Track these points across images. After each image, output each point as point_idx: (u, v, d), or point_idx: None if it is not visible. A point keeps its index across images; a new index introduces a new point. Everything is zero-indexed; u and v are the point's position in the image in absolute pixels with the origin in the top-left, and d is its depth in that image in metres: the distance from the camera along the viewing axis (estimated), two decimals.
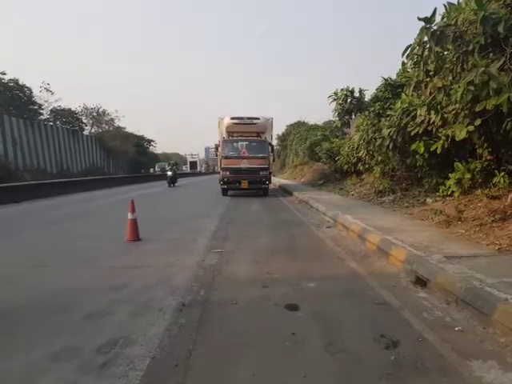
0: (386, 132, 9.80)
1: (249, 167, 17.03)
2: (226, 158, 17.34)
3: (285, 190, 21.21)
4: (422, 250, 5.25)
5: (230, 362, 2.83)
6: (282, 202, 15.48)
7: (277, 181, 30.22)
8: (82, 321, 3.57)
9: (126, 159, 46.52)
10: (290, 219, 10.40)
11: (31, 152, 28.09)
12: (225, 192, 17.83)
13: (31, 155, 28.09)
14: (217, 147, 19.17)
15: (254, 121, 18.37)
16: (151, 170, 58.06)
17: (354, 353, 2.95)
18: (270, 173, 18.23)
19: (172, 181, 26.86)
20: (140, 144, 51.39)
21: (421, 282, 4.51)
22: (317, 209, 11.61)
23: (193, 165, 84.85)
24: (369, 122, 11.93)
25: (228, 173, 17.22)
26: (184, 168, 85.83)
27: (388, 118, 10.15)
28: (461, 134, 7.06)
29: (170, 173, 27.12)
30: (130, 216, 7.30)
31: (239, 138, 18.49)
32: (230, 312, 3.81)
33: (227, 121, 18.15)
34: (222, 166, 17.38)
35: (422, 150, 8.81)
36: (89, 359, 2.85)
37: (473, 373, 2.63)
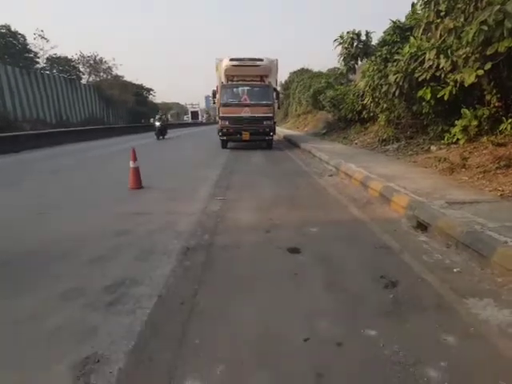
0: (392, 78, 9.52)
1: (251, 116, 15.00)
2: (225, 105, 15.24)
3: (289, 141, 20.43)
4: (425, 196, 5.26)
5: (234, 301, 2.93)
6: (285, 152, 15.30)
7: (280, 131, 29.55)
8: (87, 264, 3.66)
9: (126, 109, 45.73)
10: (292, 168, 10.38)
11: (29, 102, 27.60)
12: (224, 144, 16.08)
13: (29, 105, 27.62)
14: (214, 94, 16.77)
15: (257, 62, 15.85)
16: (151, 120, 57.70)
17: (354, 292, 3.04)
18: (275, 123, 16.24)
19: (161, 133, 24.08)
20: (139, 93, 50.29)
21: (422, 226, 4.56)
22: (320, 158, 11.54)
23: (194, 115, 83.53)
24: (375, 68, 11.55)
25: (227, 123, 15.20)
26: (185, 118, 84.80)
27: (395, 63, 9.81)
28: (469, 79, 6.85)
29: (157, 123, 24.00)
30: (131, 164, 7.32)
31: (240, 82, 16.12)
32: (234, 255, 3.89)
33: (226, 63, 15.70)
34: (221, 114, 15.36)
35: (428, 96, 8.58)
36: (96, 298, 2.94)
37: (469, 310, 2.72)
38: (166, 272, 3.43)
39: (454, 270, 3.40)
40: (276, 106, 16.58)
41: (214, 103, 16.92)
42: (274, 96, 15.90)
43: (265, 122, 15.21)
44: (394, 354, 2.23)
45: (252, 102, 15.17)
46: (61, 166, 10.97)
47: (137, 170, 7.36)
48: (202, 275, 3.38)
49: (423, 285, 3.15)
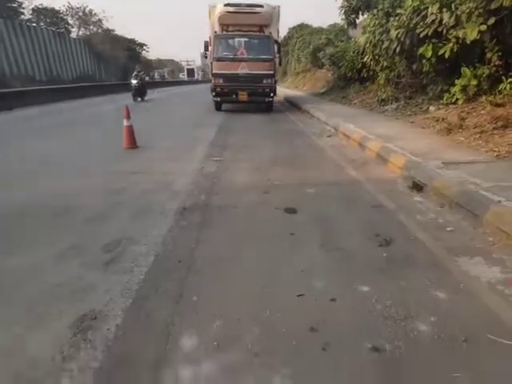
0: (394, 33, 9.25)
1: (248, 73, 12.85)
2: (219, 60, 13.00)
3: (287, 101, 19.64)
4: (421, 156, 5.24)
5: (231, 259, 2.98)
6: (284, 112, 15.05)
7: (279, 90, 28.64)
8: (84, 223, 3.68)
9: (118, 65, 44.35)
10: (290, 129, 10.26)
11: (17, 57, 26.47)
12: (218, 106, 14.22)
13: (17, 61, 26.54)
14: (207, 46, 14.19)
15: (256, 9, 13.65)
16: (146, 78, 56.62)
17: (349, 250, 3.09)
18: (276, 81, 14.01)
19: (138, 93, 19.56)
20: (131, 48, 48.75)
21: (417, 187, 4.57)
22: (318, 118, 11.41)
23: (190, 72, 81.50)
24: (376, 22, 11.15)
25: (221, 81, 13.07)
26: (181, 76, 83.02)
27: (397, 18, 9.50)
28: (472, 35, 6.66)
29: (134, 81, 19.18)
30: (125, 123, 7.20)
31: (236, 32, 13.82)
32: (231, 215, 3.92)
33: (220, 9, 13.60)
34: (214, 71, 13.14)
35: (429, 53, 8.37)
36: (93, 257, 2.98)
37: (460, 267, 2.78)
38: (163, 231, 3.45)
39: (447, 229, 3.44)
40: (277, 61, 14.19)
41: (206, 57, 14.17)
42: (276, 50, 13.54)
43: (264, 81, 13.08)
44: (386, 309, 2.30)
45: (250, 57, 12.95)
46: (56, 124, 10.80)
47: (131, 129, 7.25)
48: (199, 235, 3.41)
49: (416, 243, 3.19)
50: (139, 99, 19.60)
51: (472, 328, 2.11)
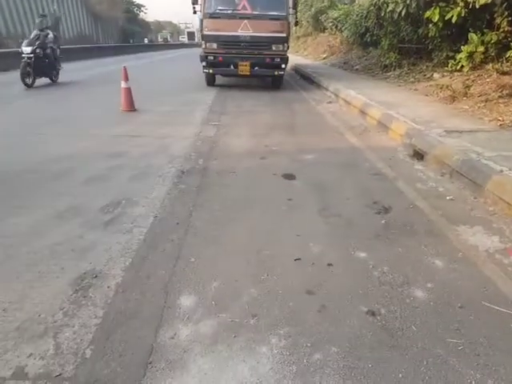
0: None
1: (253, 36, 9.53)
2: (212, 17, 9.59)
3: (290, 69, 18.86)
4: (423, 124, 5.18)
5: (229, 222, 2.98)
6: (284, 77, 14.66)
7: None
8: (83, 184, 3.66)
9: (116, 27, 43.20)
10: (289, 95, 10.08)
11: (13, 16, 25.64)
12: (210, 80, 10.85)
13: (13, 20, 25.72)
14: None
15: None
16: (145, 40, 55.40)
17: (346, 217, 3.09)
18: (288, 47, 10.31)
19: (37, 70, 10.05)
20: (129, 10, 47.32)
21: (418, 155, 4.54)
22: (318, 83, 11.18)
23: (190, 35, 79.88)
24: None
25: (215, 46, 9.75)
26: (181, 39, 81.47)
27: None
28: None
29: (26, 49, 9.72)
30: (123, 84, 7.04)
31: None
32: (229, 180, 3.90)
33: None
34: (205, 32, 9.73)
35: (436, 17, 8.10)
36: (93, 217, 2.98)
37: (459, 236, 2.79)
38: (162, 194, 3.44)
39: (447, 198, 3.44)
40: (292, 20, 10.64)
41: (195, 13, 10.23)
42: (291, 3, 10.06)
43: (274, 47, 9.73)
44: (382, 275, 2.32)
45: (255, 13, 9.56)
46: (51, 86, 10.56)
47: (129, 91, 7.10)
48: (197, 198, 3.40)
49: (415, 211, 3.20)
50: (28, 80, 9.80)
51: (468, 295, 2.14)
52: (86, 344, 1.77)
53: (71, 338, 1.80)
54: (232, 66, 10.08)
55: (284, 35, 9.73)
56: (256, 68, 10.05)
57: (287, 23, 9.81)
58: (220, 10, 9.66)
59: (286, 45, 9.88)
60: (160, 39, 68.90)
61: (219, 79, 11.30)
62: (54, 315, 1.94)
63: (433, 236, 2.79)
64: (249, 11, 9.58)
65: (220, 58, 9.84)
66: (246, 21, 9.46)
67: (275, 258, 2.50)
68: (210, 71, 10.22)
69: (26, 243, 2.60)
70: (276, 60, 9.82)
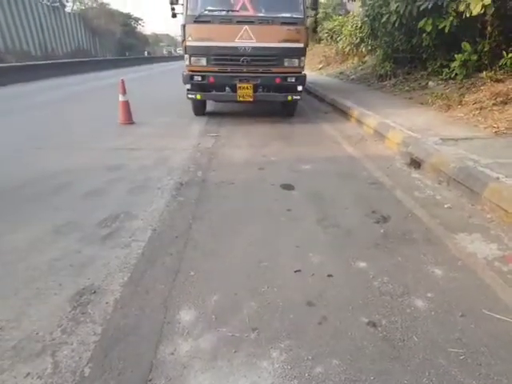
0: (393, 6, 9.03)
1: (256, 48, 6.82)
2: (199, 21, 6.75)
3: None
4: (419, 132, 5.20)
5: (228, 234, 2.97)
6: None
7: None
8: (82, 198, 3.65)
9: (113, 40, 43.58)
10: None
11: (11, 32, 25.94)
12: (199, 109, 8.04)
13: (12, 35, 26.01)
14: None
15: None
16: (146, 53, 55.96)
17: (345, 227, 3.09)
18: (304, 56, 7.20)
19: None
20: (127, 23, 47.76)
21: (415, 163, 4.55)
22: (315, 94, 11.26)
23: None
24: None
25: (204, 61, 6.97)
26: (179, 51, 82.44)
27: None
28: (476, 9, 6.51)
29: None
30: (121, 98, 7.06)
31: None
32: (228, 191, 3.89)
33: None
34: (189, 42, 6.86)
35: (429, 28, 8.20)
36: (91, 232, 2.97)
37: (457, 244, 2.79)
38: (161, 207, 3.44)
39: (445, 206, 3.44)
40: (308, 22, 7.85)
41: (175, 16, 7.36)
42: (310, 2, 7.48)
43: (287, 62, 7.00)
44: (382, 285, 2.31)
45: (259, 16, 6.82)
46: (51, 100, 10.60)
47: (126, 104, 7.12)
48: (196, 210, 3.39)
49: (414, 220, 3.20)
50: None
51: (469, 304, 2.13)
52: (85, 362, 1.75)
53: (69, 356, 1.78)
54: (228, 89, 7.33)
55: (301, 45, 6.89)
56: (261, 91, 7.30)
57: (305, 29, 6.93)
58: (210, 11, 6.69)
59: (302, 59, 7.05)
60: (165, 52, 72.13)
61: (210, 104, 8.64)
62: (52, 333, 1.92)
63: (432, 244, 2.79)
64: (251, 13, 6.73)
65: (211, 79, 6.91)
66: (246, 26, 6.62)
67: (275, 269, 2.49)
68: (198, 97, 7.22)
69: (23, 259, 2.58)
70: (289, 80, 7.03)
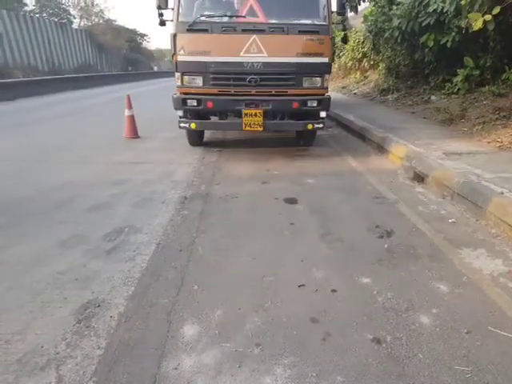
0: (396, 22, 9.15)
1: (268, 63, 5.41)
2: (193, 29, 5.32)
3: None
4: (422, 147, 5.22)
5: (232, 248, 2.98)
6: None
7: None
8: (87, 212, 3.68)
9: (119, 56, 44.16)
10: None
11: (20, 48, 26.37)
12: (195, 138, 6.58)
13: (20, 51, 26.42)
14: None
15: None
16: (155, 68, 56.40)
17: (349, 241, 3.09)
18: (328, 73, 5.85)
19: None
20: (133, 39, 48.42)
21: (418, 177, 4.56)
22: None
23: None
24: (379, 10, 11.01)
25: (200, 81, 5.53)
26: None
27: (399, 6, 9.39)
28: (476, 25, 6.58)
29: None
30: (127, 112, 7.14)
31: None
32: (231, 205, 3.91)
33: None
34: (181, 57, 5.41)
35: (431, 43, 8.30)
36: (96, 246, 2.98)
37: (462, 259, 2.78)
38: (165, 220, 3.46)
39: (449, 221, 3.44)
40: (331, 31, 5.71)
41: (163, 24, 5.70)
42: (337, 6, 5.89)
43: (307, 82, 5.69)
44: (387, 301, 2.30)
45: (272, 22, 5.45)
46: (58, 115, 10.72)
47: (132, 118, 7.20)
48: (200, 224, 3.41)
49: (418, 235, 3.19)
50: None
51: (474, 321, 2.12)
52: (89, 376, 1.75)
53: (74, 370, 1.78)
54: (233, 116, 6.06)
55: (325, 60, 5.53)
56: (274, 118, 6.04)
57: (329, 39, 5.54)
58: (207, 16, 5.40)
59: (326, 77, 5.73)
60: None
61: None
62: (56, 346, 1.92)
63: (436, 260, 2.78)
64: (261, 19, 5.38)
65: (209, 104, 5.52)
66: (255, 36, 5.29)
67: (279, 284, 2.49)
68: (193, 126, 5.75)
69: (29, 272, 2.60)
70: (310, 104, 5.67)
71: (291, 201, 4.02)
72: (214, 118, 6.25)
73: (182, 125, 5.76)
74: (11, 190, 4.28)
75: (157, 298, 2.32)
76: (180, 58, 5.37)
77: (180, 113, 5.72)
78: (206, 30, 5.27)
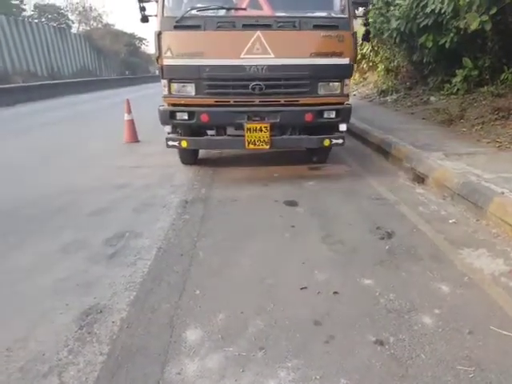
0: (394, 23, 9.17)
1: (275, 67, 4.40)
2: (181, 26, 4.30)
3: None
4: (422, 148, 5.22)
5: (233, 251, 2.98)
6: None
7: None
8: (88, 217, 3.68)
9: (118, 60, 44.25)
10: None
11: (19, 53, 26.46)
12: (188, 156, 5.50)
13: (19, 57, 26.51)
14: None
15: None
16: (157, 72, 56.40)
17: (350, 243, 3.09)
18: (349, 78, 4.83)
19: None
20: (131, 43, 48.54)
21: (419, 179, 4.57)
22: None
23: None
24: (377, 12, 11.03)
25: (192, 89, 4.52)
26: None
27: (397, 8, 9.41)
28: (473, 25, 6.60)
29: None
30: (126, 117, 7.16)
31: None
32: (232, 208, 3.92)
33: None
34: (167, 60, 4.39)
35: (430, 44, 8.31)
36: (97, 251, 2.99)
37: (463, 260, 2.78)
38: (166, 224, 3.46)
39: (450, 221, 3.44)
40: (353, 25, 4.72)
41: (145, 20, 4.76)
42: None
43: (323, 89, 4.64)
44: (389, 302, 2.30)
45: (280, 15, 4.45)
46: (58, 119, 10.76)
47: (132, 123, 7.22)
48: (201, 227, 3.41)
49: (419, 235, 3.20)
50: None
51: (476, 320, 2.12)
52: (92, 383, 1.74)
53: (76, 377, 1.77)
54: (233, 129, 4.94)
55: (345, 61, 4.57)
56: (282, 133, 4.97)
57: (350, 35, 4.56)
58: (199, 10, 4.43)
59: (347, 82, 4.73)
60: None
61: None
62: (58, 353, 1.92)
63: (438, 260, 2.78)
64: (266, 11, 4.44)
65: (204, 117, 4.51)
66: (259, 33, 4.32)
67: (281, 287, 2.49)
68: (183, 145, 4.73)
69: (30, 279, 2.60)
70: (327, 116, 4.65)
71: (291, 203, 4.03)
72: (210, 132, 5.11)
73: (171, 143, 4.74)
74: (11, 196, 4.29)
75: (159, 303, 2.32)
76: (167, 62, 4.40)
77: (168, 128, 4.75)
78: (198, 27, 4.30)
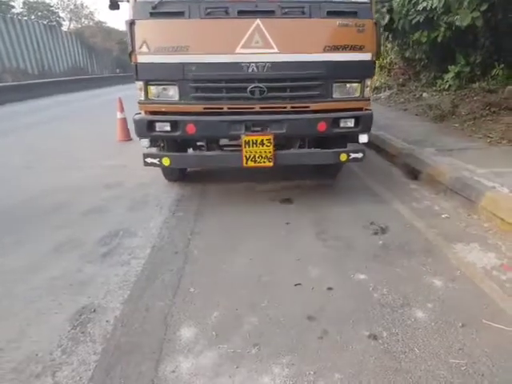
0: (386, 20, 9.19)
1: (279, 64, 3.39)
2: (159, 13, 3.29)
3: None
4: (415, 143, 5.25)
5: (228, 249, 2.98)
6: None
7: None
8: (81, 216, 3.66)
9: (110, 58, 43.95)
10: None
11: (8, 51, 26.13)
12: (172, 171, 4.42)
13: (9, 54, 26.19)
14: None
15: None
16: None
17: (344, 239, 3.10)
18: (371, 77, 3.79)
19: None
20: (123, 41, 48.22)
21: (412, 174, 4.59)
22: None
23: None
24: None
25: (176, 94, 3.48)
26: None
27: (388, 5, 9.44)
28: (465, 21, 6.64)
29: None
30: (119, 115, 7.12)
31: None
32: (226, 207, 3.90)
33: None
34: (141, 57, 3.36)
35: (424, 39, 8.34)
36: (91, 250, 2.97)
37: (456, 254, 2.80)
38: (159, 223, 3.45)
39: (442, 216, 3.47)
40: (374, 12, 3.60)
41: (116, 7, 4.06)
42: None
43: (337, 91, 3.63)
44: (382, 297, 2.31)
45: (286, 6, 3.33)
46: (49, 119, 10.65)
47: (124, 121, 7.16)
48: (195, 226, 3.40)
49: (412, 231, 3.22)
50: None
51: (469, 314, 2.14)
52: (86, 382, 1.74)
53: (70, 377, 1.77)
54: (226, 141, 4.16)
55: (367, 57, 3.57)
56: (288, 146, 4.08)
57: (373, 24, 3.52)
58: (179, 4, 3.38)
59: (368, 83, 3.74)
60: None
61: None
62: (52, 353, 1.91)
63: (430, 255, 2.80)
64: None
65: (190, 127, 3.51)
66: (259, 21, 3.33)
67: (275, 283, 2.50)
68: (165, 163, 3.63)
69: (23, 279, 2.58)
70: (344, 124, 3.71)
71: (286, 201, 4.01)
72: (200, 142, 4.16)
73: (149, 160, 3.64)
74: (2, 197, 4.25)
75: (153, 302, 2.32)
76: (142, 59, 3.41)
77: (145, 142, 3.71)
78: (181, 14, 3.32)
